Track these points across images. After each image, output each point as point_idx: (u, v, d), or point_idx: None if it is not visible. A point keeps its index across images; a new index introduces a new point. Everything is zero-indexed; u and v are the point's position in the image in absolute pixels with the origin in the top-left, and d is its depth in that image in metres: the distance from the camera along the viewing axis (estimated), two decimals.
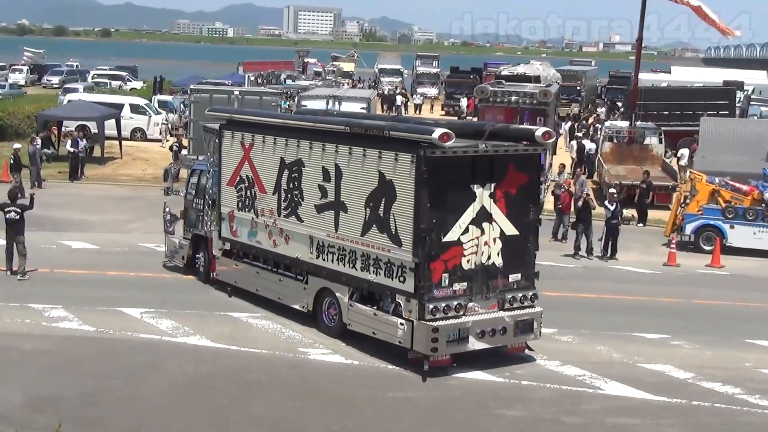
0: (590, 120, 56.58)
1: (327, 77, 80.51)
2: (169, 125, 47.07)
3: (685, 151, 40.60)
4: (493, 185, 16.64)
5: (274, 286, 19.84)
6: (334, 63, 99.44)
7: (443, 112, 67.13)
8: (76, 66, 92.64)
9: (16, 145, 33.86)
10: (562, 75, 64.17)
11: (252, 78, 69.19)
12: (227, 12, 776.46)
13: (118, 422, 14.10)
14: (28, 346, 17.28)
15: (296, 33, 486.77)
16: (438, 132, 15.92)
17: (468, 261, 16.55)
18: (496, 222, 16.78)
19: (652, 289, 23.60)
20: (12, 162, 32.85)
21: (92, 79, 73.84)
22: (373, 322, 17.28)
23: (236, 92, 37.73)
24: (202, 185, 22.45)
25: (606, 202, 27.32)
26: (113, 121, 42.06)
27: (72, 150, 36.69)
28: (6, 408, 14.44)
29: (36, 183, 33.91)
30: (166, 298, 20.65)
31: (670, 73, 72.22)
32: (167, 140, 44.98)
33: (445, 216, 16.27)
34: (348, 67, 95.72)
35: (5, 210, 21.88)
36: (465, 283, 16.57)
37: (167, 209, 23.64)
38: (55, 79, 78.48)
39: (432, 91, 77.31)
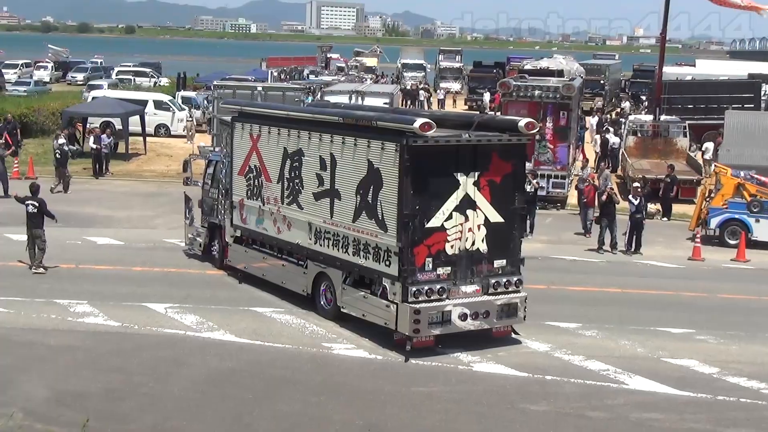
0: (612, 115, 56.31)
1: (350, 72, 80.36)
2: (194, 121, 47.13)
3: (709, 145, 40.32)
4: (477, 174, 17.22)
5: (278, 271, 20.65)
6: (357, 58, 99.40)
7: (466, 107, 66.95)
8: (101, 63, 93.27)
9: (60, 140, 34.02)
10: (586, 69, 63.96)
11: (275, 73, 69.17)
12: (250, 8, 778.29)
13: (143, 417, 14.18)
14: (54, 341, 17.41)
15: (319, 28, 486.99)
16: (419, 121, 16.60)
17: (452, 246, 17.12)
18: (480, 209, 17.33)
19: (676, 284, 23.47)
20: (58, 157, 33.07)
21: (116, 75, 74.20)
22: (363, 304, 18.02)
23: (259, 88, 38.23)
24: (216, 175, 23.35)
25: (630, 197, 27.19)
26: (137, 117, 42.29)
27: (95, 147, 36.91)
28: (32, 403, 14.57)
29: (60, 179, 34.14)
30: (191, 293, 20.75)
31: (694, 66, 71.69)
32: (192, 138, 45.03)
33: (429, 203, 16.87)
34: (371, 62, 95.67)
35: (25, 203, 22.07)
36: (449, 268, 17.14)
37: (189, 200, 24.50)
38: (80, 76, 78.89)
39: (455, 86, 77.10)
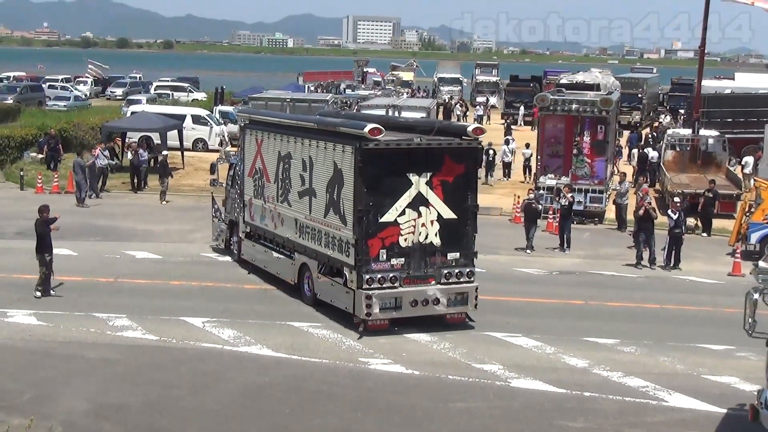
0: (647, 130, 55.98)
1: (386, 87, 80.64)
2: (224, 135, 47.25)
3: (749, 159, 39.92)
4: (429, 174, 19.02)
5: (275, 263, 22.83)
6: (394, 72, 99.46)
7: (502, 121, 66.83)
8: (139, 78, 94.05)
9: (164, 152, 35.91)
10: (624, 82, 63.56)
11: (312, 88, 69.65)
12: (287, 22, 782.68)
13: (182, 431, 14.26)
14: (93, 354, 17.56)
15: (355, 43, 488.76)
16: (368, 127, 18.68)
17: (405, 239, 19.00)
18: (433, 206, 19.12)
19: (716, 300, 23.19)
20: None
21: (155, 90, 74.87)
22: (331, 291, 20.05)
23: (288, 99, 39.36)
24: (235, 177, 25.44)
25: (669, 211, 26.97)
26: (176, 131, 42.60)
27: (133, 161, 37.25)
28: (72, 416, 14.70)
29: (94, 193, 34.54)
30: (228, 307, 20.84)
31: (733, 79, 71.05)
32: (222, 145, 45.54)
33: (382, 199, 18.79)
34: (407, 76, 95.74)
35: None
36: (402, 259, 19.01)
37: (214, 200, 26.93)
38: (119, 91, 79.71)
39: (492, 100, 76.91)
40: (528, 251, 27.69)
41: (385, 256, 18.88)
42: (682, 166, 38.86)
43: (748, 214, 28.76)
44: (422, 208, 19.04)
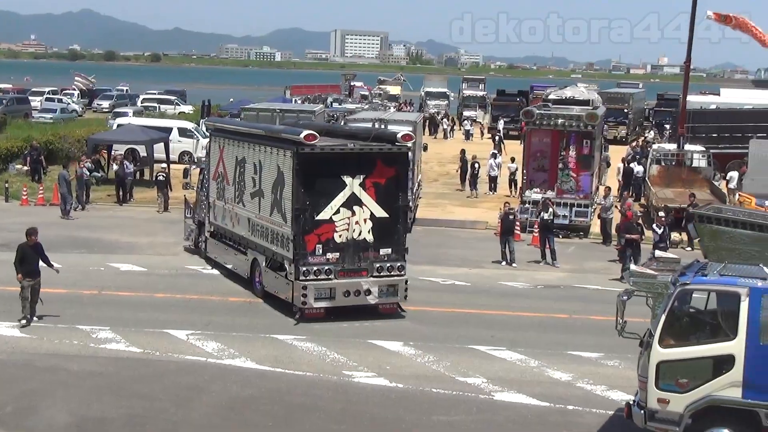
0: (633, 144, 56.17)
1: (373, 100, 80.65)
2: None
3: (734, 174, 40.07)
4: (362, 176, 20.81)
5: (233, 259, 24.68)
6: (381, 86, 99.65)
7: (489, 135, 67.05)
8: (126, 90, 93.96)
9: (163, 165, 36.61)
10: (610, 97, 63.90)
11: (299, 101, 69.57)
12: (275, 36, 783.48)
13: None
14: (76, 367, 17.51)
15: (343, 57, 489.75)
16: (304, 133, 20.64)
17: (340, 236, 20.81)
18: (366, 206, 20.89)
19: None
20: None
21: (141, 103, 74.79)
22: (275, 283, 21.79)
23: (277, 110, 41.21)
24: (203, 180, 27.42)
25: (654, 226, 27.06)
26: (162, 144, 42.55)
27: (118, 173, 37.20)
28: (54, 428, 14.68)
29: (80, 205, 34.47)
30: (212, 320, 20.83)
31: (719, 95, 71.43)
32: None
33: (318, 199, 20.61)
34: (394, 90, 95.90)
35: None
36: (337, 253, 20.78)
37: (186, 201, 29.04)
38: (105, 104, 79.61)
39: (479, 114, 77.06)
40: (512, 264, 27.69)
41: (321, 251, 20.68)
42: (668, 181, 38.97)
43: None
44: (356, 207, 20.83)
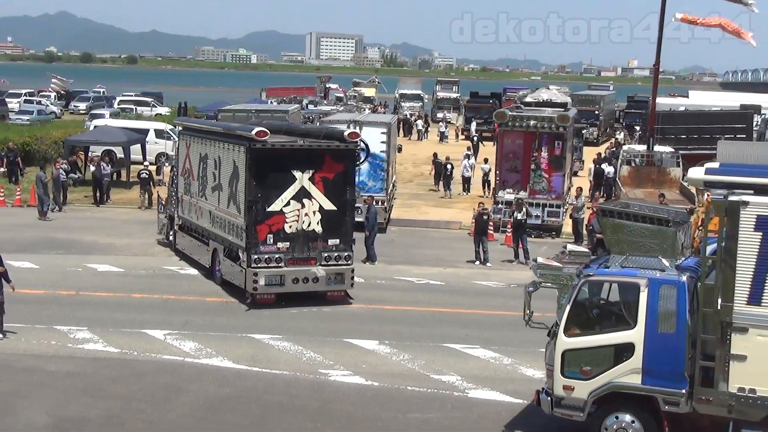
0: (606, 145, 56.70)
1: (348, 102, 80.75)
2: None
3: None
4: (312, 171, 22.15)
5: (197, 250, 26.08)
6: (356, 88, 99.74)
7: (463, 136, 67.42)
8: (103, 92, 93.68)
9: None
10: (581, 99, 64.38)
11: (275, 103, 69.64)
12: (251, 39, 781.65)
13: None
14: (54, 367, 17.64)
15: (318, 59, 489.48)
16: (255, 130, 21.97)
17: (290, 227, 22.11)
18: (315, 199, 22.23)
19: None
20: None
21: (118, 105, 74.63)
22: (231, 271, 23.13)
23: (252, 110, 42.40)
24: (173, 177, 28.93)
25: None
26: (139, 145, 42.62)
27: (95, 174, 37.24)
28: (32, 429, 14.80)
29: (57, 206, 34.49)
30: (190, 320, 21.00)
31: (687, 97, 72.16)
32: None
33: (269, 192, 21.91)
34: (369, 92, 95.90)
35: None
36: (288, 243, 22.10)
37: (159, 197, 30.86)
38: (82, 105, 79.35)
39: (452, 116, 77.41)
40: (486, 264, 28.01)
41: (271, 240, 21.98)
42: (638, 182, 39.41)
43: (701, 228, 29.28)
44: (305, 200, 22.16)
